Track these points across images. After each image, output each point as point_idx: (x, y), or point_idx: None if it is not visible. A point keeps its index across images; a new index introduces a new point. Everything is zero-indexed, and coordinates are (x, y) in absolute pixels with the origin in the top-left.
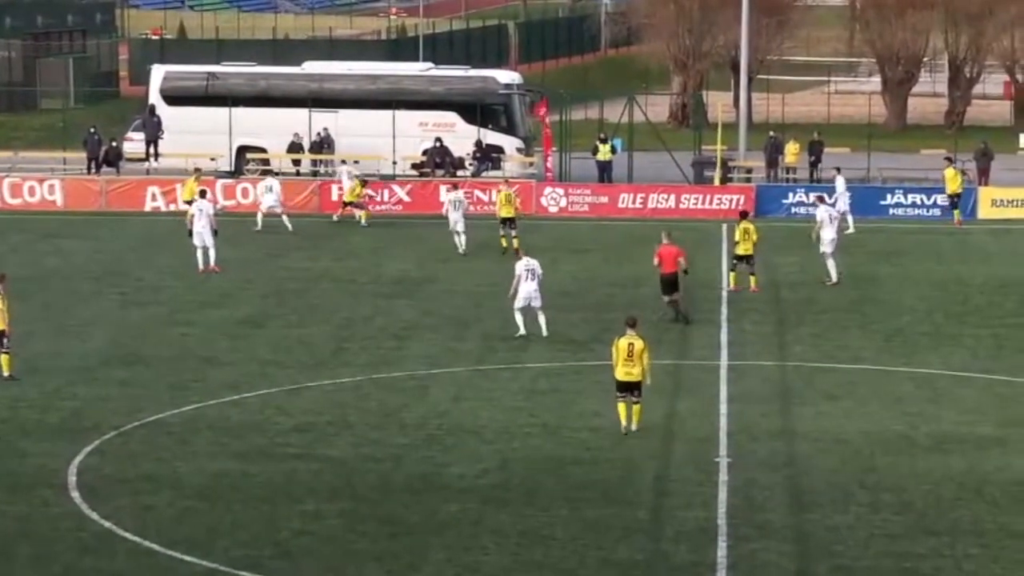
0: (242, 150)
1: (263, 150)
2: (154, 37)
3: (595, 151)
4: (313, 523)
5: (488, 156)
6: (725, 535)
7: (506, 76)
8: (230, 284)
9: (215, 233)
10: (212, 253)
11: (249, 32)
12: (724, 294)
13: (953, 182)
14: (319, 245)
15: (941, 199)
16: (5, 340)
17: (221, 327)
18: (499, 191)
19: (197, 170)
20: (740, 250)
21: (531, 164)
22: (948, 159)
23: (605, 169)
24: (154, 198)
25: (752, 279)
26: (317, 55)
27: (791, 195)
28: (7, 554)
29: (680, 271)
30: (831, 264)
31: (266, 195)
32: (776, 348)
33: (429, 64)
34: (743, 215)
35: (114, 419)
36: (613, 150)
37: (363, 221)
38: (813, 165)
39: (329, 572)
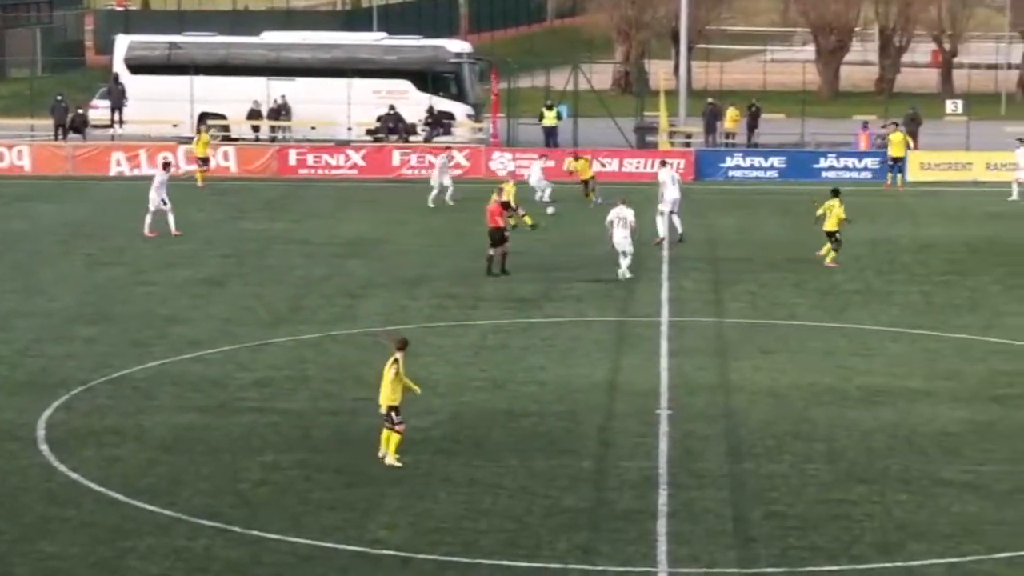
0: (203, 117)
1: (223, 117)
2: (119, 8)
3: (541, 117)
4: (272, 473)
5: (439, 122)
6: (666, 484)
7: (456, 45)
8: (191, 245)
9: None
10: (171, 217)
11: (210, 3)
12: (665, 253)
13: (899, 147)
14: (277, 208)
15: (871, 163)
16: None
17: (183, 286)
18: None
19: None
20: (827, 226)
21: (480, 129)
22: (895, 124)
23: (551, 134)
24: (118, 163)
25: (826, 248)
26: (275, 25)
27: (728, 159)
28: None
29: (507, 226)
30: (661, 222)
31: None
32: (714, 305)
33: (383, 34)
34: (835, 192)
35: (81, 375)
36: (559, 116)
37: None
38: (750, 130)
39: (287, 520)
